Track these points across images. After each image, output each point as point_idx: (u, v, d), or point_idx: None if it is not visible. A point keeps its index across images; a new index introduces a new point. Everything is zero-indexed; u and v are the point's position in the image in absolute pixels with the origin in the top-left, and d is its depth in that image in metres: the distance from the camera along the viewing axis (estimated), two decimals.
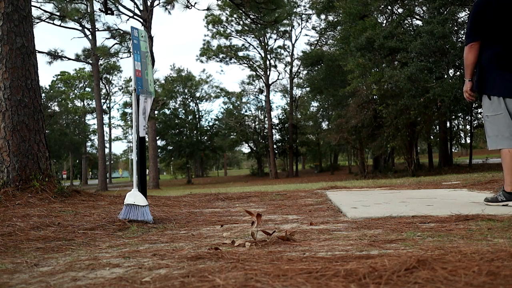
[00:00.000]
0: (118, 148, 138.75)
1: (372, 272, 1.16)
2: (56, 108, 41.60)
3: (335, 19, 27.01)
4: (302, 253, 1.60)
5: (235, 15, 33.20)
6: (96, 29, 22.66)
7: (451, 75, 18.09)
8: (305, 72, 34.50)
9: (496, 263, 1.20)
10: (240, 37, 36.22)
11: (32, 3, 7.79)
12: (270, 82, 37.68)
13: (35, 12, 18.60)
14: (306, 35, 74.23)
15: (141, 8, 20.83)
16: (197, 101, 44.50)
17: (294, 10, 33.82)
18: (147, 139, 21.07)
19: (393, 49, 17.58)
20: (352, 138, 23.95)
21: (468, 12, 16.63)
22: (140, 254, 1.71)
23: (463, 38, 17.33)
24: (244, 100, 43.71)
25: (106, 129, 44.05)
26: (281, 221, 2.67)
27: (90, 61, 24.31)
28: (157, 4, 19.74)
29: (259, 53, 37.44)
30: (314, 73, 31.19)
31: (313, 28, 35.85)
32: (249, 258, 1.49)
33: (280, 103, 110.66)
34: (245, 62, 37.63)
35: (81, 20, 21.76)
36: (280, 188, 7.69)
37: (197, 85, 43.90)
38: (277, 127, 41.69)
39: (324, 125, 35.81)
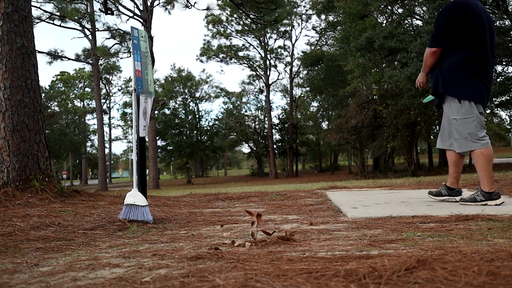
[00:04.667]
0: (118, 148, 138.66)
1: (372, 272, 1.16)
2: (56, 108, 41.53)
3: (335, 19, 27.00)
4: (302, 253, 1.60)
5: (235, 15, 33.20)
6: (96, 29, 22.64)
7: None
8: (305, 72, 34.51)
9: (496, 263, 1.20)
10: (240, 37, 36.25)
11: (32, 3, 7.78)
12: (270, 82, 37.70)
13: (35, 12, 18.58)
14: (306, 35, 74.12)
15: (141, 8, 20.83)
16: (197, 101, 44.50)
17: (294, 10, 33.81)
18: (147, 139, 21.03)
19: (393, 49, 17.57)
20: (352, 138, 23.96)
21: None
22: (140, 254, 1.71)
23: None
24: (244, 100, 43.71)
25: (106, 129, 44.03)
26: (281, 221, 2.66)
27: (90, 61, 24.30)
28: (157, 4, 19.72)
29: (259, 53, 37.48)
30: (314, 73, 31.19)
31: (313, 28, 35.86)
32: (249, 258, 1.49)
33: (280, 103, 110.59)
34: (245, 62, 37.65)
35: (81, 20, 21.73)
36: (280, 188, 7.68)
37: (197, 85, 43.90)
38: (277, 127, 41.69)
39: (324, 125, 35.88)
